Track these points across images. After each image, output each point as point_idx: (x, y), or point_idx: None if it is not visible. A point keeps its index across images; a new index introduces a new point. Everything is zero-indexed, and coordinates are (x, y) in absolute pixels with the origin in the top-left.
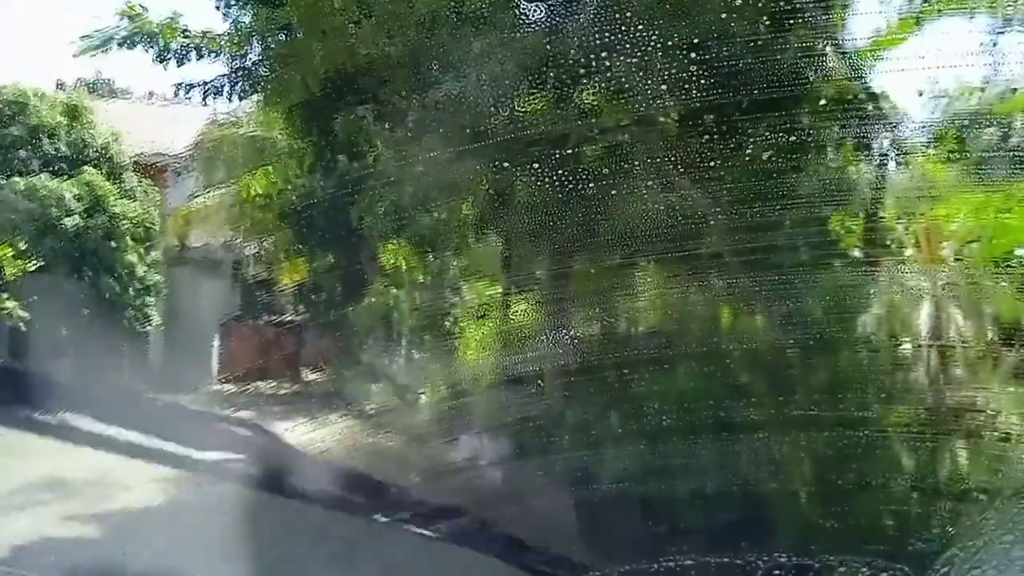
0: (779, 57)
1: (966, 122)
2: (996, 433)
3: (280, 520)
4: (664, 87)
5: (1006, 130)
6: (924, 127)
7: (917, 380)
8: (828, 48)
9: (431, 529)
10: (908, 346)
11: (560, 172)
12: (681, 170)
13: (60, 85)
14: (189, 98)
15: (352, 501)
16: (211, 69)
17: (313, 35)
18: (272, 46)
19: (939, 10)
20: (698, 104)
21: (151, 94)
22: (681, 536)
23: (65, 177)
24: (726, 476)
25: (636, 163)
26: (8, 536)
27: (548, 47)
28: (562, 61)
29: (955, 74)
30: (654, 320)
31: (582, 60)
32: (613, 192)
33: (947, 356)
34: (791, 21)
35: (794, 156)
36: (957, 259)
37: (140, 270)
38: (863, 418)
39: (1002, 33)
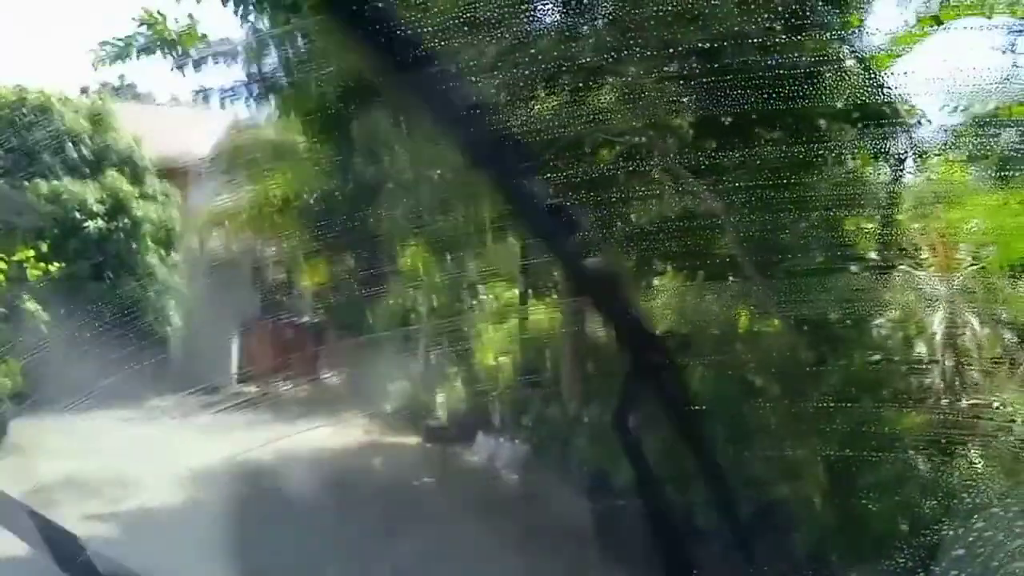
0: (794, 59)
1: (983, 124)
2: (1013, 437)
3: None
4: (678, 90)
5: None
6: (941, 129)
7: (933, 384)
8: (844, 50)
9: None
10: (924, 350)
11: (576, 174)
12: (695, 174)
13: (84, 90)
14: (208, 103)
15: None
16: (230, 75)
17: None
18: (291, 51)
19: (957, 11)
20: (713, 108)
21: (174, 99)
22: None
23: (88, 181)
24: (740, 480)
25: (651, 167)
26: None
27: (563, 50)
28: (577, 64)
29: (973, 75)
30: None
31: (596, 63)
32: (629, 196)
33: (964, 360)
34: (807, 22)
35: (809, 159)
36: (974, 262)
37: (161, 273)
38: (879, 422)
39: (1020, 34)
